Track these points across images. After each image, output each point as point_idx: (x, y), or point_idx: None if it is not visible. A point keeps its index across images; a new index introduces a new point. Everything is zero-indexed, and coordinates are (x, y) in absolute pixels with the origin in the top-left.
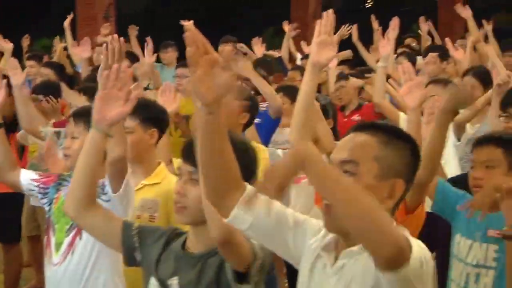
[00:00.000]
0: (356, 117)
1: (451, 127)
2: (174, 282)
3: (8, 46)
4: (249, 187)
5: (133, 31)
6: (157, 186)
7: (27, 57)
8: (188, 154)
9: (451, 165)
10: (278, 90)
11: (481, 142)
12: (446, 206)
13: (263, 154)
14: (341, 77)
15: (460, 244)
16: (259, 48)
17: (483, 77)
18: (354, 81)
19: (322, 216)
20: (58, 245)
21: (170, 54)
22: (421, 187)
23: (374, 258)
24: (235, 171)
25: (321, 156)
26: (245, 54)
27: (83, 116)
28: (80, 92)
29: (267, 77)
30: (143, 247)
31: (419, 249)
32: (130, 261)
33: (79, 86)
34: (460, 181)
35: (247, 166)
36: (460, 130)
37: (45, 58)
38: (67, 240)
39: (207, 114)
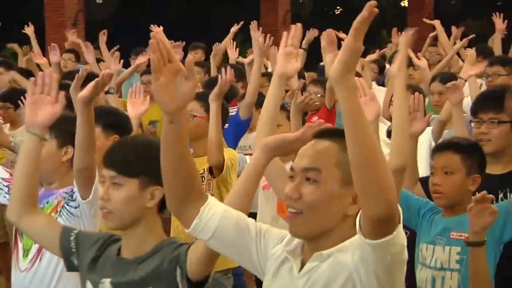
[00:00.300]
0: (315, 119)
1: (429, 130)
2: (106, 281)
3: None
4: (210, 197)
5: (103, 36)
6: None
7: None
8: (109, 159)
9: (422, 166)
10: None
11: (440, 148)
12: (411, 215)
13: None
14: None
15: (423, 251)
16: (233, 53)
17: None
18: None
19: (288, 223)
20: (26, 251)
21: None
22: None
23: (365, 212)
24: (197, 180)
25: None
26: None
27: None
28: None
29: (236, 83)
30: (79, 252)
31: (403, 234)
32: (69, 266)
33: None
34: (426, 182)
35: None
36: (439, 134)
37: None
38: (35, 246)
39: (169, 123)
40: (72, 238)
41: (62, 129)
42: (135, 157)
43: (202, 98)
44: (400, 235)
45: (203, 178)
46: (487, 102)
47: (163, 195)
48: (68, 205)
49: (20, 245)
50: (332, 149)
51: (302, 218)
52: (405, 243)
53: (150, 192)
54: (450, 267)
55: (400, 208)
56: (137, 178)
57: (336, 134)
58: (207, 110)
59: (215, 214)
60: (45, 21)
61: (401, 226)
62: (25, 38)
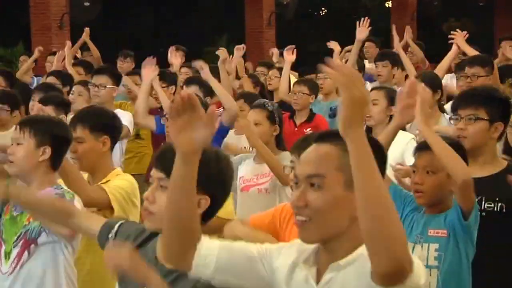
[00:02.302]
0: (307, 130)
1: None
2: None
3: None
4: (202, 236)
5: (86, 35)
6: (107, 183)
7: None
8: (160, 161)
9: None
10: (238, 97)
11: (422, 147)
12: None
13: None
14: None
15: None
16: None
17: (432, 81)
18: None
19: (298, 230)
20: (7, 254)
21: (129, 64)
22: None
23: (373, 267)
24: (198, 230)
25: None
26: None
27: (29, 123)
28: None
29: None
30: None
31: (417, 277)
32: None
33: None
34: None
35: (220, 176)
36: None
37: None
38: (15, 250)
39: (183, 165)
40: (114, 230)
41: (41, 128)
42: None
43: (247, 96)
44: (413, 280)
45: None
46: (466, 99)
47: (208, 205)
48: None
49: (2, 248)
50: (333, 153)
51: (311, 224)
52: (422, 281)
53: (197, 200)
54: (429, 264)
55: (411, 256)
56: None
57: (335, 136)
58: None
59: (212, 247)
60: (31, 24)
61: (413, 273)
62: (10, 42)
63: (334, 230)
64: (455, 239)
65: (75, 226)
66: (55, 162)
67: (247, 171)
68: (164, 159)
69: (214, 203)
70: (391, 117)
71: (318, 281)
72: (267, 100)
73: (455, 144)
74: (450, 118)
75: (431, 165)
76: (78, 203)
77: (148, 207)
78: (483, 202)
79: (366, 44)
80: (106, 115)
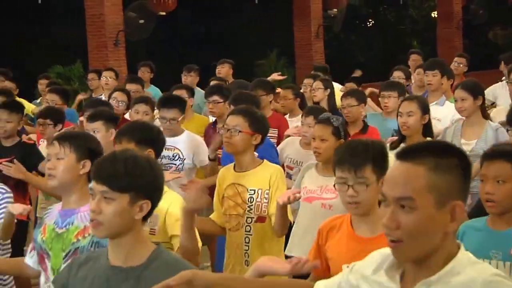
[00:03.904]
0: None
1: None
2: None
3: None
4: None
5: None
6: None
7: (48, 88)
8: (100, 174)
9: None
10: (307, 113)
11: (491, 156)
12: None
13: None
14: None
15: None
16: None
17: (473, 88)
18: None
19: (391, 251)
20: (55, 271)
21: (193, 78)
22: None
23: None
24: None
25: None
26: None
27: (67, 138)
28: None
29: (266, 95)
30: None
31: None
32: None
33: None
34: None
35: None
36: None
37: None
38: (63, 263)
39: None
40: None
41: (80, 144)
42: (126, 173)
43: (247, 114)
44: None
45: (253, 199)
46: None
47: (150, 208)
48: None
49: (48, 264)
50: (419, 174)
51: (404, 246)
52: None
53: (139, 205)
54: None
55: None
56: (128, 193)
57: (419, 153)
58: (250, 125)
59: None
60: (87, 42)
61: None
62: (66, 60)
63: (428, 248)
64: None
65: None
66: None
67: (310, 182)
68: (103, 172)
69: (152, 206)
70: (424, 125)
71: None
72: (331, 115)
73: None
74: (507, 130)
75: (501, 174)
76: None
77: (96, 218)
78: None
79: (413, 56)
80: (150, 130)
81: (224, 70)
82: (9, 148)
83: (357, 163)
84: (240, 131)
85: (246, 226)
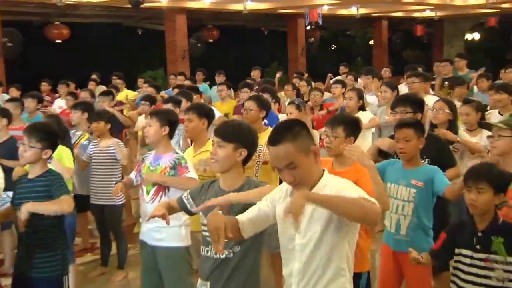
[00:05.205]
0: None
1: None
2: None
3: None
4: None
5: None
6: (207, 152)
7: (146, 84)
8: (217, 131)
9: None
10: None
11: (399, 126)
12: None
13: None
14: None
15: (391, 188)
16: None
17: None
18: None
19: (295, 189)
20: (148, 192)
21: (222, 77)
22: None
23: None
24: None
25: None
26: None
27: (157, 113)
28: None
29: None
30: (195, 202)
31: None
32: (189, 214)
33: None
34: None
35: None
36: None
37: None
38: (152, 190)
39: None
40: (185, 197)
41: (163, 116)
42: (232, 131)
43: (256, 98)
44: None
45: (260, 151)
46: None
47: (247, 154)
48: (170, 169)
49: (144, 188)
50: (287, 148)
51: (301, 186)
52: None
53: (239, 152)
54: (409, 199)
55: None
56: (232, 143)
57: (279, 137)
58: (259, 106)
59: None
60: (166, 56)
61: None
62: (154, 66)
63: (312, 179)
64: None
65: None
66: (171, 135)
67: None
68: (219, 130)
69: (249, 153)
70: (359, 108)
71: None
72: (298, 99)
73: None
74: (390, 113)
75: (407, 136)
76: (190, 165)
77: (213, 158)
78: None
79: (442, 63)
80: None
81: (255, 73)
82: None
83: (333, 124)
84: (251, 110)
85: (256, 166)
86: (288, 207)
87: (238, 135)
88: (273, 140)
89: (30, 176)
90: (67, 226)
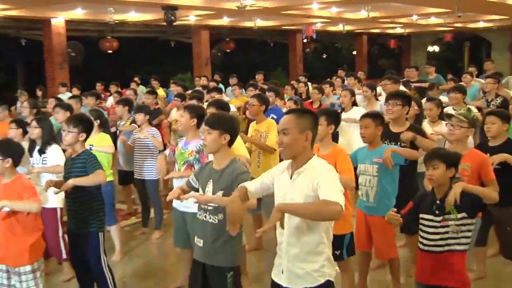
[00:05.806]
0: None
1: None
2: (209, 184)
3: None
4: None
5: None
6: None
7: (174, 84)
8: (206, 121)
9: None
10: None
11: (363, 116)
12: (353, 160)
13: None
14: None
15: (361, 167)
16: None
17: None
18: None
19: (281, 153)
20: (179, 170)
21: (234, 80)
22: None
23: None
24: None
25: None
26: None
27: (187, 107)
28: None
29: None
30: (199, 180)
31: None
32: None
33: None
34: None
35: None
36: None
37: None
38: (182, 168)
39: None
40: (191, 178)
41: (193, 110)
42: (216, 120)
43: (258, 96)
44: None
45: (261, 137)
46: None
47: (230, 138)
48: (195, 153)
49: (176, 166)
50: (291, 119)
51: (286, 151)
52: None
53: (224, 137)
54: (374, 174)
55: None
56: (217, 130)
57: (292, 112)
58: (259, 101)
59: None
60: (193, 63)
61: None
62: (184, 70)
63: (295, 152)
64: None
65: None
66: (199, 125)
67: None
68: (206, 120)
69: (231, 138)
70: (352, 103)
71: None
72: (295, 96)
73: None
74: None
75: (367, 124)
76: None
77: (205, 143)
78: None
79: (410, 69)
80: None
81: (259, 76)
82: None
83: (317, 115)
84: (254, 105)
85: (257, 156)
86: (269, 221)
87: (222, 123)
88: (289, 112)
89: (73, 155)
90: (104, 194)
